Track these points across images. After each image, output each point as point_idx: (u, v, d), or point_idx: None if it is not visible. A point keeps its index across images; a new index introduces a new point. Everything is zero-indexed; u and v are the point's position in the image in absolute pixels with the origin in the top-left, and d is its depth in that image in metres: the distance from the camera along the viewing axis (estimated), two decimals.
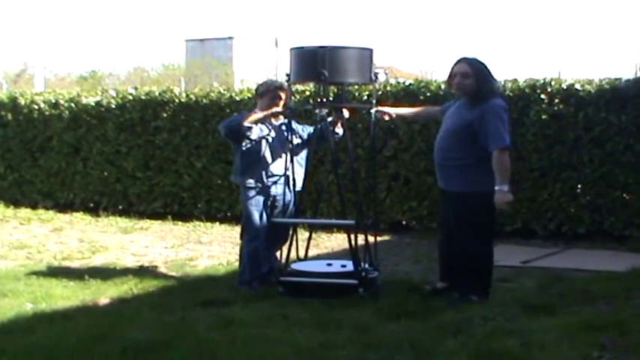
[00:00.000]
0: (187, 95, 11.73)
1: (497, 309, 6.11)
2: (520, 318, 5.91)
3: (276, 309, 6.28)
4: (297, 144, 7.19)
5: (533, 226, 9.63)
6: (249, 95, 10.81)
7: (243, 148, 7.12)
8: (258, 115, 7.06)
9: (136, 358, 5.06)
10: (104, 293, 7.04)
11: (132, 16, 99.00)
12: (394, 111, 7.20)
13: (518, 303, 6.30)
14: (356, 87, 9.91)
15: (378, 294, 6.67)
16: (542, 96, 9.42)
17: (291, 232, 7.06)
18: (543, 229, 9.58)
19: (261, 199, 7.13)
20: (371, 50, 6.78)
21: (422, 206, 10.14)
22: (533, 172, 9.51)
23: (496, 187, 6.21)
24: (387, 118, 7.11)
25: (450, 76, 6.56)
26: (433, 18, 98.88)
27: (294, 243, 7.04)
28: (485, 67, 6.44)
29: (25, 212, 12.62)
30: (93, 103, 12.35)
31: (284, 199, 7.11)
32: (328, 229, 10.22)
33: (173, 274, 8.04)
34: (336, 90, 7.12)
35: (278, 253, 7.27)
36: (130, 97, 12.10)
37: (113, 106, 12.15)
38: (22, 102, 13.01)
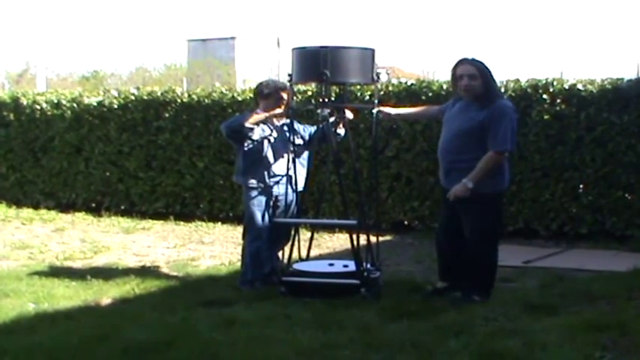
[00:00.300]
0: (189, 95, 11.73)
1: (499, 309, 6.11)
2: (522, 318, 5.91)
3: (278, 309, 6.28)
4: (299, 144, 7.20)
5: (535, 226, 9.63)
6: (252, 95, 10.80)
7: (245, 149, 7.12)
8: (260, 116, 7.06)
9: (138, 358, 5.07)
10: (106, 293, 7.04)
11: (134, 16, 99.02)
12: (395, 111, 7.19)
13: (520, 303, 6.30)
14: (358, 87, 9.92)
15: (380, 294, 6.67)
16: (545, 96, 9.42)
17: (293, 232, 7.07)
18: (545, 229, 9.58)
19: (263, 199, 7.13)
20: (373, 50, 6.78)
21: (424, 206, 10.14)
22: (535, 172, 9.51)
23: (463, 180, 6.24)
24: (383, 114, 7.07)
25: (454, 79, 6.53)
26: (435, 18, 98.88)
27: (296, 243, 7.03)
28: (488, 68, 6.44)
29: (27, 212, 12.63)
30: (95, 103, 12.35)
31: (286, 199, 7.12)
32: (330, 229, 10.23)
33: (175, 274, 8.04)
34: (338, 90, 7.12)
35: (280, 253, 7.27)
36: (132, 97, 12.11)
37: (115, 106, 12.15)
38: (25, 102, 13.02)
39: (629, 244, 8.96)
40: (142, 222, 11.65)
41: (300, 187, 7.14)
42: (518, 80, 9.71)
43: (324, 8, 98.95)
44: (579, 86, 9.35)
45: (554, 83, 9.47)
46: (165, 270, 8.27)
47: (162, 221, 11.64)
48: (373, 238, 7.03)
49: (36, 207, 12.94)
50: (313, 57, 6.62)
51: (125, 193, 12.25)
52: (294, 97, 7.65)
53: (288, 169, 7.04)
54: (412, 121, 9.67)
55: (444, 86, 9.75)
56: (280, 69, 34.55)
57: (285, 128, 7.19)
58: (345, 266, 7.02)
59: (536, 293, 6.79)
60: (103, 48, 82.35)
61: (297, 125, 7.22)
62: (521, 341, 5.27)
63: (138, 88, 12.65)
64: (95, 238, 10.42)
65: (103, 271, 8.03)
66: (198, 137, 11.52)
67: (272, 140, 7.15)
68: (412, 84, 10.35)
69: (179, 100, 11.67)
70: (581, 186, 9.45)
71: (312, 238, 7.52)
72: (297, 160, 7.09)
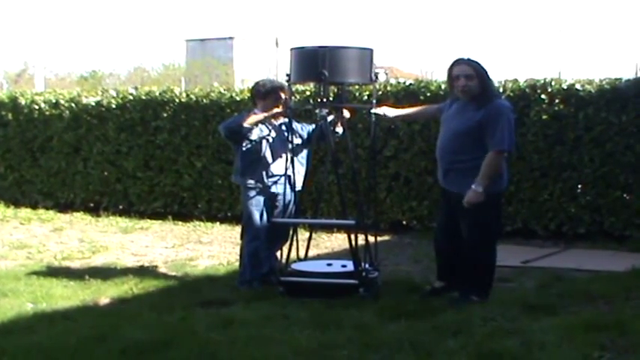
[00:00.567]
0: (188, 95, 11.73)
1: (497, 309, 6.11)
2: (520, 318, 5.91)
3: (276, 309, 6.28)
4: (298, 144, 7.20)
5: (534, 226, 9.63)
6: (250, 95, 10.79)
7: (244, 149, 7.12)
8: (259, 116, 7.06)
9: (136, 358, 5.07)
10: (104, 293, 7.04)
11: (132, 16, 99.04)
12: (393, 112, 7.18)
13: (518, 303, 6.30)
14: (356, 87, 9.92)
15: (379, 294, 6.66)
16: (543, 96, 9.42)
17: (291, 232, 7.07)
18: (544, 229, 9.58)
19: (261, 199, 7.13)
20: (371, 50, 6.78)
21: (422, 206, 10.14)
22: (533, 172, 9.51)
23: (472, 185, 6.21)
24: (380, 112, 7.06)
25: (450, 79, 6.52)
26: (433, 18, 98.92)
27: (294, 243, 7.04)
28: (484, 68, 6.44)
29: (25, 212, 12.63)
30: (93, 103, 12.35)
31: (284, 199, 7.11)
32: (328, 229, 10.23)
33: (173, 274, 8.04)
34: (336, 90, 7.12)
35: (278, 253, 7.27)
36: (131, 97, 12.11)
37: (113, 106, 12.15)
38: (23, 102, 13.01)
39: (627, 244, 8.96)
40: (141, 222, 11.65)
41: (299, 186, 7.15)
42: (516, 80, 9.72)
43: (322, 8, 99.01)
44: (577, 86, 9.36)
45: (553, 83, 9.47)
46: (163, 270, 8.27)
47: (160, 221, 11.64)
48: (371, 238, 7.02)
49: (34, 207, 12.94)
50: (312, 57, 6.62)
51: (123, 192, 12.24)
52: (293, 97, 7.64)
53: (286, 168, 7.04)
54: (411, 121, 9.67)
55: (443, 86, 9.74)
56: (279, 69, 34.53)
57: (284, 128, 7.19)
58: (344, 266, 7.02)
59: (534, 293, 6.80)
60: (101, 48, 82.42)
61: (295, 124, 7.22)
62: (519, 341, 5.27)
63: (136, 88, 12.65)
64: (93, 237, 10.41)
65: (101, 271, 8.03)
66: (197, 137, 11.51)
67: (270, 140, 7.15)
68: (410, 84, 10.35)
69: (177, 100, 11.67)
70: (579, 186, 9.45)
71: (310, 238, 7.52)
72: (295, 158, 7.10)
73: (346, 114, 7.03)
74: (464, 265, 6.47)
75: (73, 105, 12.54)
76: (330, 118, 6.92)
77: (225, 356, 5.07)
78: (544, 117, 9.39)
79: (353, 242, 6.77)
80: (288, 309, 6.26)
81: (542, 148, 9.44)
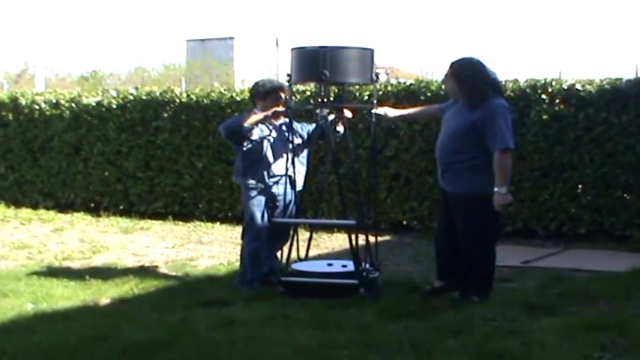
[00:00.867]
0: (188, 95, 11.74)
1: (497, 309, 6.11)
2: (520, 318, 5.91)
3: (276, 309, 6.28)
4: (298, 144, 7.20)
5: (534, 226, 9.64)
6: (250, 95, 10.79)
7: (245, 149, 7.12)
8: (259, 116, 7.06)
9: (136, 358, 5.06)
10: (105, 293, 7.04)
11: (133, 16, 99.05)
12: (394, 112, 7.18)
13: (518, 303, 6.30)
14: (357, 87, 9.92)
15: (379, 294, 6.66)
16: (543, 96, 9.43)
17: (291, 232, 7.07)
18: (544, 229, 9.58)
19: (262, 199, 7.13)
20: (372, 50, 6.78)
21: (423, 206, 10.14)
22: (534, 172, 9.51)
23: (495, 189, 6.21)
24: (381, 112, 7.06)
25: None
26: (434, 18, 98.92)
27: (294, 243, 7.04)
28: (473, 68, 6.42)
29: (25, 212, 12.63)
30: (94, 103, 12.36)
31: (285, 199, 7.11)
32: (329, 229, 10.23)
33: (174, 274, 8.04)
34: (337, 90, 7.12)
35: (279, 253, 7.27)
36: (131, 97, 12.11)
37: (114, 106, 12.16)
38: (23, 102, 13.02)
39: (627, 244, 8.96)
40: (141, 222, 11.65)
41: (299, 186, 7.15)
42: (516, 80, 9.72)
43: (323, 8, 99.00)
44: (578, 86, 9.36)
45: (553, 83, 9.47)
46: (163, 270, 8.27)
47: (160, 221, 11.64)
48: (372, 238, 7.02)
49: (35, 207, 12.94)
50: (312, 57, 6.62)
51: (124, 193, 12.25)
52: (293, 97, 7.64)
53: (287, 168, 7.04)
54: (412, 121, 9.67)
55: (443, 86, 9.73)
56: (279, 69, 34.57)
57: (284, 128, 7.19)
58: (344, 266, 7.02)
59: (534, 293, 6.80)
60: (101, 48, 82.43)
61: (295, 124, 7.22)
62: (519, 341, 5.27)
63: (137, 88, 12.66)
64: (94, 238, 10.42)
65: (101, 271, 8.03)
66: (197, 137, 11.52)
67: (271, 140, 7.15)
68: (411, 84, 10.36)
69: (178, 100, 11.67)
70: (579, 186, 9.45)
71: (310, 238, 7.51)
72: (296, 158, 7.10)
73: (347, 113, 7.02)
74: (462, 265, 6.48)
75: (73, 105, 12.55)
76: (330, 118, 6.92)
77: (226, 356, 5.07)
78: (544, 117, 9.39)
79: (353, 242, 6.76)
80: (289, 309, 6.26)
81: (542, 148, 9.44)
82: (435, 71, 40.27)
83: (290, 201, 7.17)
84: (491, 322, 5.80)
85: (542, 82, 9.52)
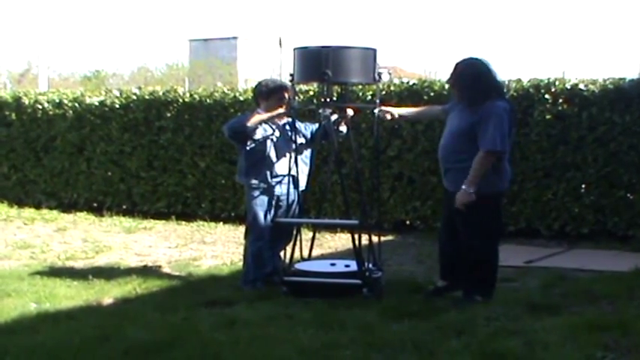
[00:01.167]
0: (191, 95, 11.74)
1: (500, 309, 6.11)
2: (523, 318, 5.91)
3: (279, 309, 6.28)
4: (301, 143, 7.20)
5: (537, 226, 9.63)
6: (253, 95, 10.79)
7: (248, 149, 7.12)
8: (263, 116, 7.06)
9: (139, 358, 5.07)
10: (108, 293, 7.05)
11: (135, 15, 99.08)
12: (397, 111, 7.19)
13: (521, 303, 6.30)
14: (359, 87, 9.92)
15: (382, 294, 6.66)
16: (546, 96, 9.42)
17: (294, 232, 7.07)
18: (547, 229, 9.58)
19: (266, 199, 7.13)
20: (375, 50, 6.78)
21: (426, 206, 10.14)
22: (537, 171, 9.51)
23: (463, 186, 6.22)
24: (389, 117, 7.08)
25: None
26: (437, 18, 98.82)
27: (297, 243, 7.05)
28: (475, 69, 6.42)
29: (28, 212, 12.63)
30: (97, 103, 12.36)
31: (288, 198, 7.12)
32: (332, 229, 10.23)
33: (177, 274, 8.05)
34: (339, 90, 7.12)
35: (282, 253, 7.28)
36: (134, 97, 12.11)
37: (117, 106, 12.16)
38: (26, 102, 13.02)
39: (630, 244, 8.96)
40: (144, 222, 11.65)
41: (303, 185, 7.15)
42: (520, 80, 9.71)
43: (326, 8, 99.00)
44: (581, 86, 9.35)
45: (556, 83, 9.47)
46: (166, 270, 8.28)
47: (163, 221, 11.64)
48: (375, 238, 7.02)
49: (38, 207, 12.95)
50: (315, 57, 6.62)
51: (127, 192, 12.25)
52: (296, 97, 7.64)
53: (290, 168, 7.04)
54: (415, 121, 9.67)
55: (446, 86, 9.73)
56: (282, 69, 34.50)
57: (287, 127, 7.18)
58: (347, 266, 7.02)
59: (537, 293, 6.80)
60: (104, 48, 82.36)
61: (298, 124, 7.22)
62: (522, 341, 5.27)
63: (140, 88, 12.64)
64: (97, 237, 10.42)
65: (104, 271, 8.03)
66: (200, 137, 11.52)
67: (274, 140, 7.15)
68: (414, 84, 10.35)
69: (181, 100, 11.68)
70: (583, 186, 9.45)
71: (313, 238, 7.51)
72: (299, 158, 7.09)
73: (350, 113, 7.02)
74: (465, 265, 6.48)
75: (76, 105, 12.55)
76: (333, 117, 6.92)
77: (229, 356, 5.07)
78: (547, 117, 9.39)
79: (356, 242, 6.77)
80: (292, 309, 6.26)
81: (545, 148, 9.44)
82: (438, 71, 40.18)
83: (293, 201, 7.17)
84: (494, 322, 5.80)
85: (546, 81, 9.51)
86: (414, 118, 8.66)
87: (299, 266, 7.05)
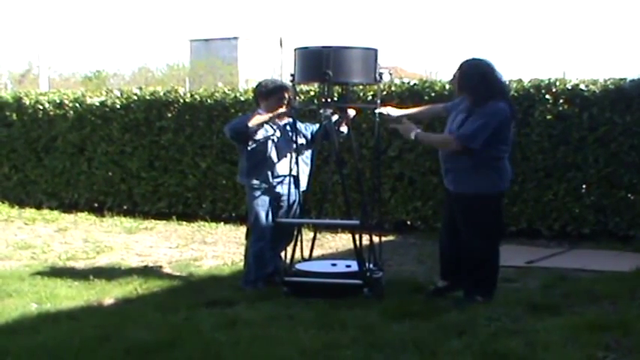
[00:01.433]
0: (192, 95, 11.74)
1: (501, 309, 6.11)
2: (524, 318, 5.91)
3: (280, 309, 6.28)
4: (302, 144, 7.20)
5: (538, 226, 9.63)
6: (254, 95, 10.79)
7: (249, 149, 7.12)
8: (264, 116, 7.06)
9: (140, 358, 5.07)
10: (109, 293, 7.05)
11: (136, 16, 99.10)
12: (398, 112, 7.17)
13: (522, 303, 6.30)
14: (360, 87, 9.92)
15: (383, 294, 6.67)
16: (547, 96, 9.42)
17: (295, 232, 7.07)
18: (548, 229, 9.58)
19: (267, 199, 7.13)
20: (375, 50, 6.78)
21: (426, 206, 10.13)
22: (537, 172, 9.51)
23: (415, 131, 6.58)
24: (384, 112, 7.07)
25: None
26: (438, 18, 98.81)
27: (298, 243, 7.05)
28: (478, 69, 6.41)
29: (29, 212, 12.63)
30: (97, 103, 12.36)
31: (289, 199, 7.12)
32: (333, 229, 10.23)
33: (178, 274, 8.05)
34: (340, 90, 7.11)
35: (283, 254, 7.28)
36: (135, 97, 12.11)
37: (118, 107, 12.16)
38: (27, 102, 13.02)
39: (632, 244, 8.95)
40: (145, 222, 11.65)
41: (304, 185, 7.14)
42: (520, 80, 9.71)
43: (326, 8, 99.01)
44: (582, 86, 9.35)
45: (557, 83, 9.47)
46: (167, 270, 8.28)
47: (164, 221, 11.64)
48: (376, 239, 7.02)
49: (38, 207, 12.95)
50: (316, 57, 6.63)
51: (128, 193, 12.25)
52: (297, 97, 7.64)
53: (291, 169, 7.04)
54: (415, 121, 9.65)
55: (447, 86, 9.74)
56: (283, 69, 34.54)
57: (288, 128, 7.18)
58: (348, 266, 7.03)
59: (538, 293, 6.80)
60: (105, 48, 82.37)
61: (299, 124, 7.22)
62: (523, 341, 5.27)
63: (140, 88, 12.63)
64: (98, 238, 10.42)
65: (105, 271, 8.03)
66: (201, 137, 11.52)
67: (275, 140, 7.15)
68: (415, 84, 10.35)
69: (182, 100, 11.67)
70: (583, 186, 9.44)
71: (314, 238, 7.51)
72: (300, 158, 7.09)
73: (351, 113, 7.02)
74: (466, 265, 6.48)
75: (77, 105, 12.55)
76: (334, 118, 6.92)
77: (230, 356, 5.07)
78: (548, 117, 9.38)
79: (357, 242, 6.77)
80: (293, 309, 6.26)
81: (546, 148, 9.43)
82: (439, 71, 40.20)
83: (294, 201, 7.17)
84: (495, 322, 5.80)
85: (546, 82, 9.51)
86: (414, 118, 8.66)
87: (300, 266, 7.06)
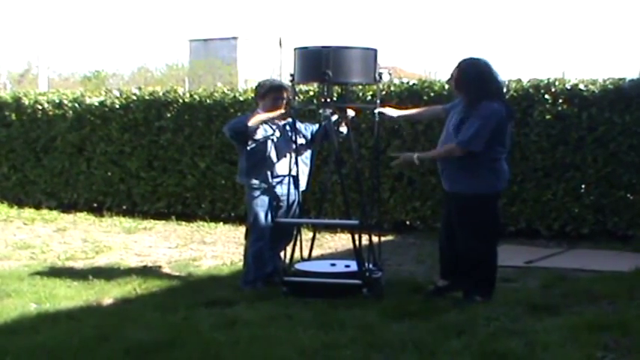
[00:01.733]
0: (191, 95, 11.74)
1: (500, 309, 6.11)
2: (524, 318, 5.92)
3: (279, 309, 6.28)
4: (302, 144, 7.20)
5: (537, 226, 9.63)
6: (253, 95, 10.80)
7: (248, 149, 7.12)
8: (262, 116, 7.06)
9: (139, 358, 5.07)
10: (108, 293, 7.05)
11: (135, 16, 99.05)
12: (398, 113, 7.17)
13: (521, 303, 6.30)
14: (360, 87, 9.92)
15: (382, 294, 6.66)
16: (546, 96, 9.42)
17: (295, 232, 7.07)
18: (547, 229, 9.58)
19: (266, 199, 7.13)
20: (375, 50, 6.78)
21: (425, 206, 10.14)
22: (536, 172, 9.51)
23: (416, 154, 6.56)
24: (385, 116, 7.08)
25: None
26: (437, 18, 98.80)
27: (298, 243, 7.05)
28: (476, 69, 6.42)
29: (28, 212, 12.63)
30: (97, 103, 12.36)
31: (288, 199, 7.11)
32: (332, 229, 10.23)
33: (177, 274, 8.05)
34: (340, 90, 7.11)
35: (282, 253, 7.28)
36: (134, 97, 12.11)
37: (117, 106, 12.16)
38: (26, 102, 13.02)
39: (631, 244, 8.96)
40: (144, 222, 11.65)
41: (303, 186, 7.14)
42: (520, 80, 9.71)
43: (326, 8, 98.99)
44: (581, 86, 9.35)
45: (556, 83, 9.47)
46: (166, 270, 8.27)
47: (163, 221, 11.64)
48: (375, 238, 7.03)
49: (38, 207, 12.94)
50: (315, 57, 6.62)
51: (127, 193, 12.25)
52: (296, 97, 7.64)
53: (290, 169, 7.04)
54: (415, 122, 9.67)
55: (446, 86, 9.73)
56: (282, 69, 34.52)
57: (288, 128, 7.18)
58: (347, 266, 7.03)
59: (538, 293, 6.79)
60: (104, 48, 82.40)
61: (299, 124, 7.22)
62: (523, 341, 5.27)
63: (139, 88, 12.64)
64: (97, 238, 10.42)
65: (104, 271, 8.03)
66: (200, 137, 11.52)
67: (275, 140, 7.15)
68: (414, 84, 10.35)
69: (181, 100, 11.67)
70: (582, 186, 9.45)
71: (313, 238, 7.51)
72: (300, 158, 7.09)
73: (350, 113, 7.02)
74: (464, 265, 6.49)
75: (76, 105, 12.55)
76: (333, 118, 6.92)
77: (229, 356, 5.07)
78: (547, 117, 9.39)
79: (356, 242, 6.77)
80: (292, 309, 6.26)
81: (545, 148, 9.44)
82: (438, 71, 40.21)
83: (293, 201, 7.16)
84: (494, 322, 5.80)
85: (546, 82, 9.51)
86: (413, 118, 8.68)
87: (299, 266, 7.06)
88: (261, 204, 7.13)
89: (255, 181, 7.13)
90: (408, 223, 10.38)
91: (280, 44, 39.01)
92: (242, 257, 7.54)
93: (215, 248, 9.65)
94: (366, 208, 7.17)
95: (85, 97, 12.64)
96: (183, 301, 6.62)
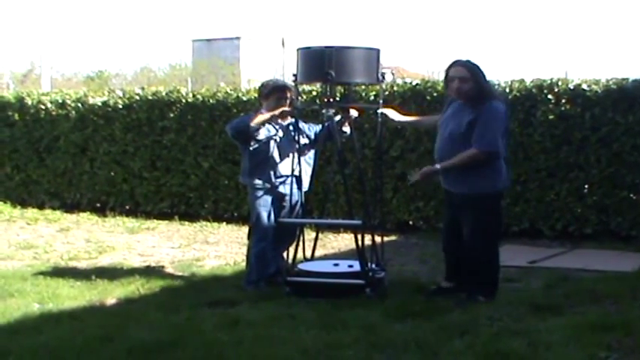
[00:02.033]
0: (194, 95, 11.74)
1: (503, 309, 6.11)
2: (527, 318, 5.91)
3: (282, 309, 6.28)
4: (305, 144, 7.20)
5: (540, 226, 9.62)
6: (256, 95, 10.80)
7: (251, 149, 7.12)
8: (265, 116, 7.06)
9: (142, 358, 5.07)
10: (111, 293, 7.05)
11: (138, 16, 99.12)
12: (399, 117, 7.15)
13: (524, 303, 6.29)
14: (363, 87, 9.91)
15: (385, 294, 6.66)
16: (549, 96, 9.41)
17: (298, 232, 7.07)
18: (550, 229, 9.57)
19: (269, 199, 7.13)
20: (378, 50, 6.78)
21: (428, 206, 10.13)
22: (540, 172, 9.50)
23: (437, 165, 6.44)
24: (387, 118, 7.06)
25: (447, 80, 6.57)
26: (440, 18, 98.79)
27: (300, 243, 7.05)
28: (481, 69, 6.43)
29: (32, 212, 12.64)
30: (100, 103, 12.36)
31: (291, 199, 7.11)
32: (335, 229, 10.22)
33: (180, 274, 8.05)
34: (342, 90, 7.11)
35: (285, 254, 7.28)
36: (137, 97, 12.11)
37: (120, 106, 12.16)
38: (29, 102, 13.03)
39: (634, 244, 8.95)
40: (147, 222, 11.66)
41: (305, 186, 7.14)
42: (523, 80, 9.70)
43: (328, 8, 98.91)
44: (584, 86, 9.34)
45: (559, 83, 9.46)
46: (170, 270, 8.28)
47: (167, 221, 11.64)
48: (378, 238, 7.02)
49: (41, 207, 12.95)
50: (318, 57, 6.62)
51: (130, 193, 12.25)
52: (299, 97, 7.64)
53: (293, 169, 7.04)
54: (416, 127, 9.66)
55: None
56: (285, 69, 34.52)
57: (291, 128, 7.19)
58: (350, 266, 7.02)
59: (541, 293, 6.79)
60: (107, 48, 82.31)
61: (302, 124, 7.22)
62: (526, 341, 5.27)
63: (143, 88, 12.64)
64: (100, 238, 10.43)
65: (107, 271, 8.04)
66: (203, 137, 11.52)
67: (278, 140, 7.15)
68: (417, 84, 10.33)
69: (184, 100, 11.67)
70: (586, 186, 9.43)
71: (316, 238, 7.51)
72: (303, 158, 7.09)
73: (353, 112, 7.02)
74: (467, 266, 6.48)
75: (79, 105, 12.56)
76: (336, 118, 6.92)
77: (232, 356, 5.07)
78: (550, 117, 9.38)
79: (359, 242, 6.77)
80: (295, 309, 6.26)
81: (548, 149, 9.43)
82: (441, 71, 40.16)
83: (296, 201, 7.17)
84: (497, 322, 5.81)
85: (549, 82, 9.50)
86: (414, 125, 8.69)
87: (302, 266, 7.06)
88: (264, 204, 7.13)
89: (258, 181, 7.13)
90: (411, 223, 10.38)
91: (283, 44, 39.06)
92: (245, 257, 7.54)
93: (218, 248, 9.65)
94: (369, 208, 7.17)
95: (88, 97, 12.64)
96: (186, 301, 6.63)
